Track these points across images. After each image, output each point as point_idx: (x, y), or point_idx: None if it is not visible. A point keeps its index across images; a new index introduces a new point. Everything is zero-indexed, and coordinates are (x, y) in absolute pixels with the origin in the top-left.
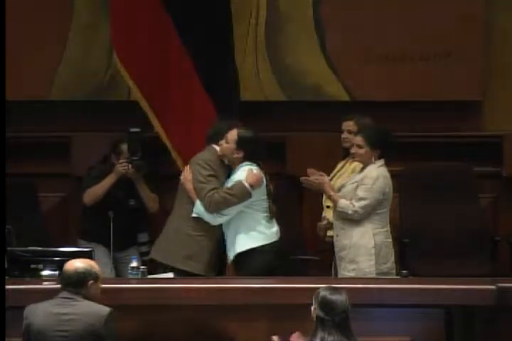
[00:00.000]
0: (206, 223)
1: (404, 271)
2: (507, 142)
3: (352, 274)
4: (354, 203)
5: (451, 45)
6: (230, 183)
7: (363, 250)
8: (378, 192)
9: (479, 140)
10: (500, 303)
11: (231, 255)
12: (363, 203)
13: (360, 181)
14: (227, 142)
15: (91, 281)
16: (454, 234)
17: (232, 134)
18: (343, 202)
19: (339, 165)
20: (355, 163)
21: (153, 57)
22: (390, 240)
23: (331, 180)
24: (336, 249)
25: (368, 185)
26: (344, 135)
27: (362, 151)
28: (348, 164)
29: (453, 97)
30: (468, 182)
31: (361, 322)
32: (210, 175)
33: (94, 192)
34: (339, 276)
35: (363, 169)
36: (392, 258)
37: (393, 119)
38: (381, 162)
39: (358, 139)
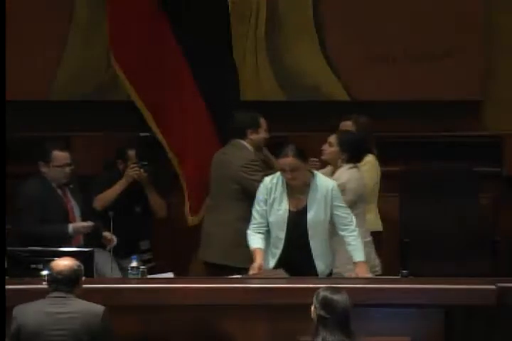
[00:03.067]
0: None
1: (405, 271)
2: (507, 142)
3: None
4: None
5: (451, 45)
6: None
7: (342, 253)
8: (351, 194)
9: (479, 140)
10: (500, 303)
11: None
12: None
13: None
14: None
15: (83, 278)
16: (454, 233)
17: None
18: None
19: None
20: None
21: (150, 58)
22: (369, 239)
23: None
24: None
25: (339, 188)
26: None
27: (330, 150)
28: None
29: (453, 97)
30: (468, 182)
31: (361, 322)
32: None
33: (105, 197)
34: None
35: (333, 173)
36: (373, 256)
37: (393, 119)
38: (349, 165)
39: (332, 137)
